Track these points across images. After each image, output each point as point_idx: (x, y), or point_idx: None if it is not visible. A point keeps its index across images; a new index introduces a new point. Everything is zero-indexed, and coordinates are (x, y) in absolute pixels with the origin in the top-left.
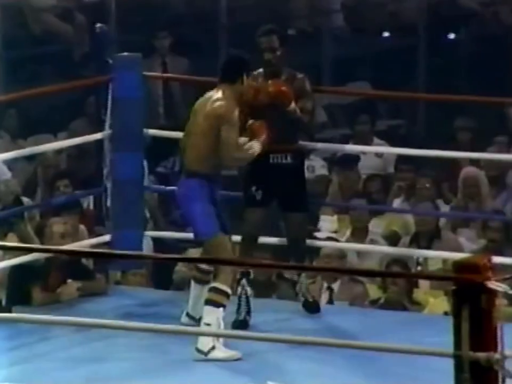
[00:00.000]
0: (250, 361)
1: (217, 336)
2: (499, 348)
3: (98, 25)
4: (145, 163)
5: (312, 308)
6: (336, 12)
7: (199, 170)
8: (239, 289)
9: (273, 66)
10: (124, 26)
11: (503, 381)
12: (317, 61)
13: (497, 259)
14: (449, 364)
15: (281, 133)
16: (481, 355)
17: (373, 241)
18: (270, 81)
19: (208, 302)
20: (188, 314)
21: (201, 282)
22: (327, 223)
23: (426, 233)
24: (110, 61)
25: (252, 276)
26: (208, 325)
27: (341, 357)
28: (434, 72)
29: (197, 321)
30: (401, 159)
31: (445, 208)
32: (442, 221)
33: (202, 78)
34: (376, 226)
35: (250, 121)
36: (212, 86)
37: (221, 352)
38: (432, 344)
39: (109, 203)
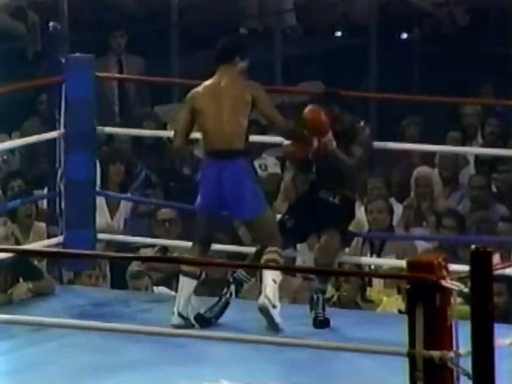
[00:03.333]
0: (203, 360)
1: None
2: (453, 346)
3: (51, 23)
4: (98, 164)
5: (321, 325)
6: (289, 12)
7: (243, 149)
8: (225, 291)
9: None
10: (77, 25)
11: (458, 379)
12: (269, 60)
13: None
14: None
15: (334, 176)
16: (435, 353)
17: None
18: (307, 108)
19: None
20: (179, 314)
21: (191, 276)
22: None
23: (379, 232)
24: (63, 60)
25: (244, 285)
26: (274, 281)
27: (296, 356)
28: (386, 72)
29: (188, 321)
30: None
31: (398, 206)
32: (395, 220)
33: (155, 78)
34: None
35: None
36: (166, 86)
37: (279, 315)
38: (386, 342)
39: (63, 204)
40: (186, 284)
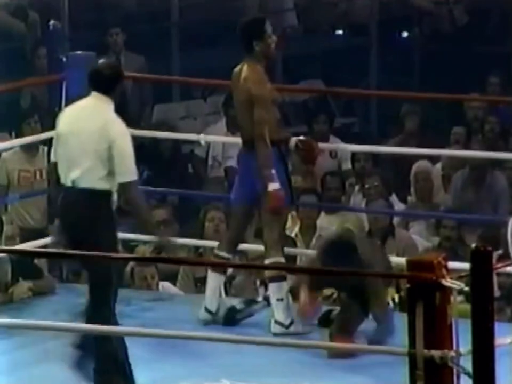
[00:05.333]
0: (204, 359)
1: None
2: (454, 345)
3: (51, 22)
4: None
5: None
6: (289, 11)
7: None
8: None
9: None
10: (77, 24)
11: (458, 378)
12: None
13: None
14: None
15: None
16: (435, 352)
17: (321, 237)
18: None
19: (271, 279)
20: (206, 309)
21: (219, 271)
22: None
23: (380, 231)
24: (63, 59)
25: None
26: (281, 300)
27: (296, 355)
28: (387, 70)
29: (214, 315)
30: (356, 156)
31: (399, 206)
32: (396, 218)
33: (157, 76)
34: (329, 223)
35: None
36: (165, 84)
37: (300, 326)
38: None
39: None
40: (213, 279)
